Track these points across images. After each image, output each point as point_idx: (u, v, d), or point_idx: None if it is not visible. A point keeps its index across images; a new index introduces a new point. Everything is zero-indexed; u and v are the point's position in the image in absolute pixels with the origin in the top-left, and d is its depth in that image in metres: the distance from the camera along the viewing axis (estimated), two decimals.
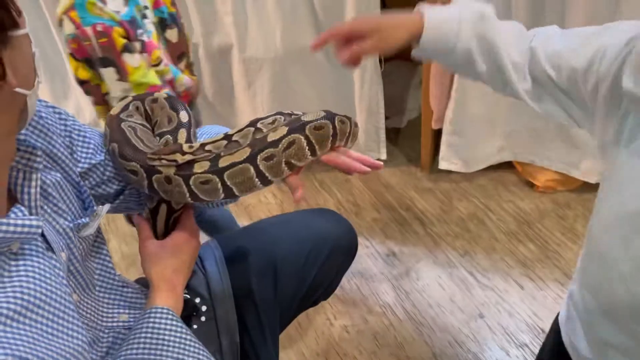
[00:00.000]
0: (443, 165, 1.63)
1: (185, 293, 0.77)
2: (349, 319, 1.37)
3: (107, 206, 0.67)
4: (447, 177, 1.72)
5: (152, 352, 0.62)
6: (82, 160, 0.68)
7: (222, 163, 0.62)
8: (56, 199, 0.61)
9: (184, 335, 0.65)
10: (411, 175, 1.77)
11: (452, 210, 1.62)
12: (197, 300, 0.84)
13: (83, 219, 0.63)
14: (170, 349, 0.63)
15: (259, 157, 0.62)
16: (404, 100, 2.00)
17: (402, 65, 2.06)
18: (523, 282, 1.39)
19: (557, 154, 1.53)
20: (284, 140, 0.62)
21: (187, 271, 0.74)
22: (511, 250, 1.48)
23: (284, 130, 0.62)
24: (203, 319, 0.79)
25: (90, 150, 0.69)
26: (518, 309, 1.33)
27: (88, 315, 0.65)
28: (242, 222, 1.68)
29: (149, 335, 0.63)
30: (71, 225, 0.62)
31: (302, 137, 0.62)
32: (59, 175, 0.63)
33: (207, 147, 0.68)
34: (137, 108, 0.75)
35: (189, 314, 0.78)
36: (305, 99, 1.63)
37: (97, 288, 0.69)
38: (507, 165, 1.69)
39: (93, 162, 0.69)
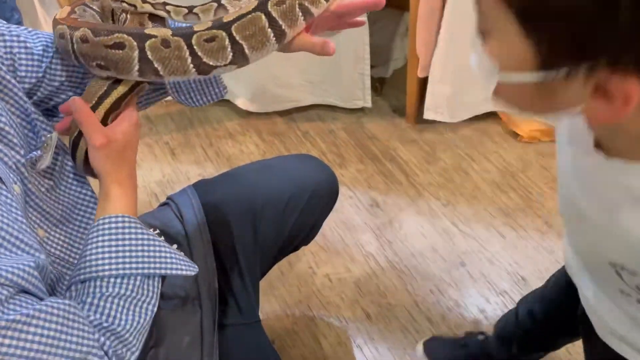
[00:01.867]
0: (428, 115, 1.61)
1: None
2: (332, 267, 1.37)
3: (55, 134, 0.64)
4: (432, 128, 1.70)
5: (118, 258, 0.58)
6: (28, 76, 0.64)
7: (226, 19, 0.56)
8: (5, 132, 0.58)
9: (151, 240, 0.61)
10: (395, 126, 1.74)
11: (436, 160, 1.61)
12: (175, 246, 0.82)
13: (34, 152, 0.60)
14: (140, 254, 0.59)
15: (269, 2, 0.56)
16: (390, 49, 1.95)
17: (388, 12, 1.99)
18: (505, 231, 1.40)
19: None
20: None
21: (135, 169, 0.69)
22: (494, 200, 1.48)
23: None
24: None
25: (35, 62, 0.65)
26: (499, 257, 1.34)
27: (57, 252, 0.63)
28: (224, 171, 1.65)
29: (107, 242, 0.59)
30: (23, 160, 0.59)
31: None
32: (7, 105, 0.60)
33: (168, 8, 0.63)
34: (84, 10, 0.69)
35: None
36: None
37: (78, 223, 0.67)
38: (492, 116, 1.68)
39: (40, 74, 0.65)
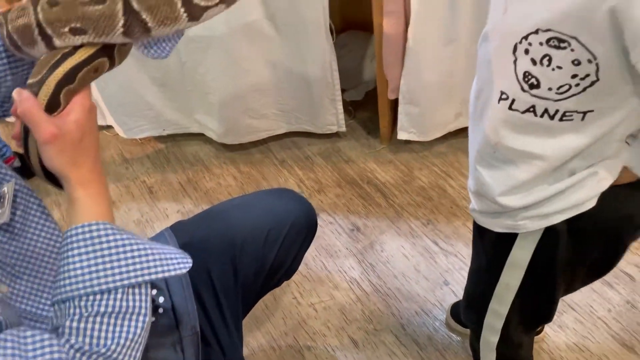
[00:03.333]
0: (402, 135, 1.62)
1: None
2: (316, 296, 1.36)
3: (12, 182, 0.59)
4: (407, 147, 1.71)
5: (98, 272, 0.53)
6: None
7: None
8: None
9: (128, 245, 0.55)
10: (371, 147, 1.75)
11: (413, 180, 1.62)
12: (154, 292, 0.81)
13: None
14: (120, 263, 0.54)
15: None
16: (361, 72, 1.97)
17: (356, 35, 2.02)
18: None
19: None
20: None
21: (98, 145, 0.60)
22: None
23: None
24: (161, 310, 0.76)
25: None
26: None
27: (26, 307, 0.60)
28: (202, 205, 1.65)
29: (80, 255, 0.53)
30: None
31: None
32: None
33: None
34: None
35: None
36: (257, 76, 1.58)
37: (48, 271, 0.63)
38: (464, 132, 1.69)
39: None
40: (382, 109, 1.63)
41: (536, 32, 0.56)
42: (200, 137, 1.85)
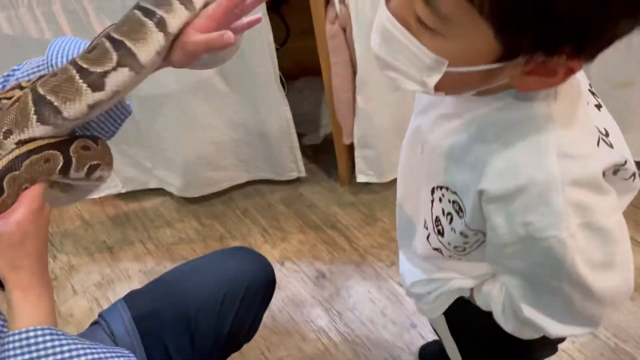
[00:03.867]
0: (360, 178, 1.63)
1: None
2: (284, 349, 1.34)
3: None
4: (368, 189, 1.72)
5: None
6: None
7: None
8: None
9: (67, 351, 0.54)
10: (333, 191, 1.76)
11: (375, 221, 1.63)
12: None
13: None
14: None
15: None
16: (319, 116, 1.99)
17: (312, 80, 2.05)
18: None
19: None
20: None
21: (45, 247, 0.58)
22: None
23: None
24: None
25: None
26: None
27: None
28: (164, 263, 1.62)
29: None
30: None
31: None
32: None
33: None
34: None
35: None
36: (214, 130, 1.59)
37: None
38: None
39: None
40: (339, 154, 1.65)
41: (447, 189, 0.57)
42: (160, 191, 1.83)
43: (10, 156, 0.57)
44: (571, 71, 0.44)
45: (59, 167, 0.60)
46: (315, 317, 1.40)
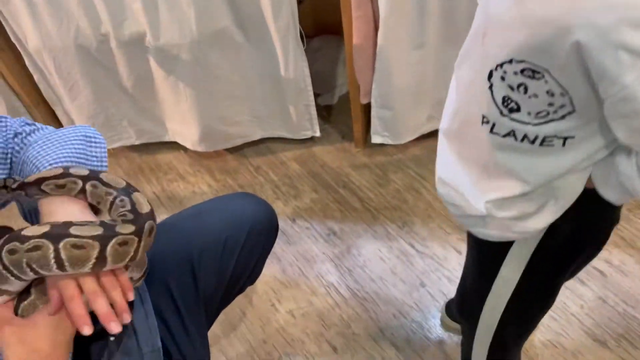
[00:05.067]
0: (375, 139, 1.63)
1: None
2: (294, 302, 1.36)
3: None
4: (382, 151, 1.72)
5: None
6: None
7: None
8: None
9: None
10: (346, 151, 1.76)
11: (388, 183, 1.63)
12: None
13: None
14: None
15: (4, 249, 0.55)
16: (334, 76, 1.97)
17: (330, 39, 2.03)
18: (461, 247, 1.42)
19: None
20: (32, 241, 0.55)
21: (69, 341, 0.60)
22: (447, 216, 1.50)
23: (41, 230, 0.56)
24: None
25: None
26: (457, 273, 1.36)
27: None
28: None
29: None
30: None
31: (52, 247, 0.55)
32: None
33: None
34: None
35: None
36: (228, 84, 1.58)
37: None
38: (437, 133, 1.71)
39: None
40: (355, 114, 1.64)
41: (510, 61, 0.56)
42: (173, 145, 1.83)
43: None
44: None
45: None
46: (325, 272, 1.42)
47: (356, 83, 1.53)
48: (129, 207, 0.65)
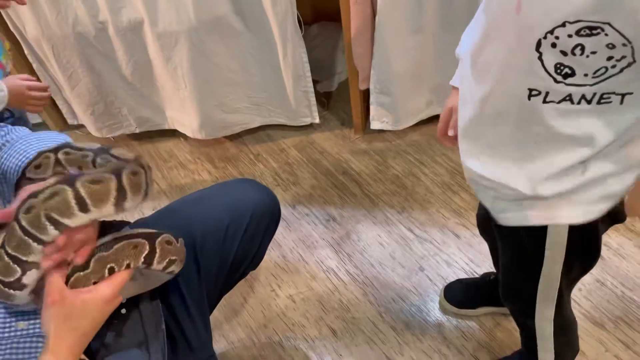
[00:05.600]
0: (374, 125, 1.63)
1: None
2: (294, 287, 1.37)
3: None
4: (381, 137, 1.72)
5: None
6: None
7: None
8: None
9: None
10: (345, 138, 1.76)
11: (387, 169, 1.63)
12: None
13: None
14: None
15: (20, 211, 0.56)
16: (333, 63, 1.97)
17: (328, 26, 2.02)
18: (459, 231, 1.43)
19: None
20: (48, 190, 0.55)
21: (94, 333, 0.64)
22: (446, 201, 1.51)
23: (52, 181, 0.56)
24: (123, 311, 0.76)
25: None
26: (456, 257, 1.37)
27: None
28: None
29: None
30: None
31: (69, 189, 0.55)
32: None
33: None
34: None
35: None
36: (227, 71, 1.58)
37: None
38: (436, 119, 1.69)
39: None
40: (354, 100, 1.64)
41: (563, 25, 0.54)
42: (173, 133, 1.83)
43: (105, 239, 0.62)
44: None
45: (144, 254, 0.66)
46: (325, 257, 1.43)
47: (355, 69, 1.53)
48: (114, 160, 0.66)
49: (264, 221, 0.93)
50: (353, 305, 1.31)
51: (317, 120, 1.74)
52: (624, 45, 0.53)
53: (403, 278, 1.35)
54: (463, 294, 1.25)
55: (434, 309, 1.28)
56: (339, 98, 1.90)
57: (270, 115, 1.75)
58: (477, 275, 1.31)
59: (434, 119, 1.70)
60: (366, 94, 1.64)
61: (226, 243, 0.87)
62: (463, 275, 1.32)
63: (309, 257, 1.44)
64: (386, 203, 1.54)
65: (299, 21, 1.48)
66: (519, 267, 0.85)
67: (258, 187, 0.97)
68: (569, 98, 0.60)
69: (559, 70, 0.58)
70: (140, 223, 0.92)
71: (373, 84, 1.53)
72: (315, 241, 1.47)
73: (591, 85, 0.58)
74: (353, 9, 1.37)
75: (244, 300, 1.36)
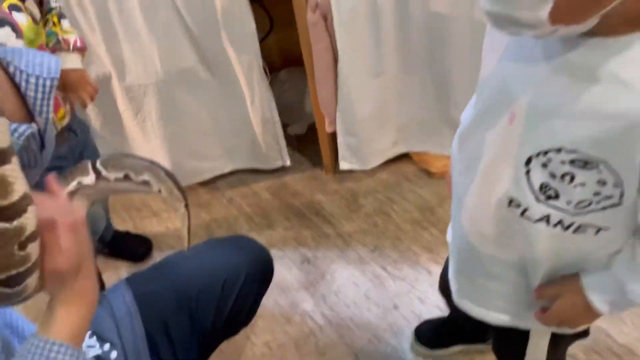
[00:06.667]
0: (343, 165, 1.66)
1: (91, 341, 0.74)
2: (270, 333, 1.37)
3: None
4: (351, 177, 1.75)
5: None
6: None
7: None
8: None
9: None
10: (317, 179, 1.79)
11: (358, 208, 1.66)
12: (107, 346, 0.80)
13: None
14: None
15: None
16: (302, 106, 2.02)
17: (296, 71, 2.07)
18: (430, 267, 1.44)
19: (447, 140, 1.60)
20: None
21: (90, 287, 0.57)
22: (416, 238, 1.53)
23: None
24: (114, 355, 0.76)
25: None
26: (429, 294, 1.38)
27: None
28: (153, 254, 1.63)
29: None
30: None
31: None
32: None
33: None
34: None
35: None
36: (196, 119, 1.61)
37: None
38: (404, 158, 1.75)
39: None
40: (323, 142, 1.67)
41: (559, 150, 0.53)
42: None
43: None
44: None
45: None
46: (300, 301, 1.43)
47: (321, 113, 1.57)
48: None
49: (257, 280, 0.95)
50: (329, 348, 1.31)
51: (288, 163, 1.77)
52: (615, 185, 0.53)
53: (378, 318, 1.35)
54: (434, 334, 1.25)
55: (409, 349, 1.28)
56: (310, 140, 1.93)
57: (242, 160, 1.77)
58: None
59: (401, 157, 1.75)
60: (335, 136, 1.67)
61: (222, 301, 0.88)
62: (437, 312, 1.33)
63: (284, 301, 1.44)
64: (359, 242, 1.56)
65: (265, 69, 1.52)
66: (505, 340, 0.86)
67: (253, 246, 0.99)
68: (546, 219, 0.59)
69: (543, 190, 0.57)
70: (137, 276, 0.93)
71: (339, 126, 1.57)
72: (290, 284, 1.48)
73: (571, 215, 0.57)
74: (316, 57, 1.42)
75: (220, 351, 1.33)
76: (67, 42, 1.13)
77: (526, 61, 0.56)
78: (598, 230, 0.58)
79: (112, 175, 0.71)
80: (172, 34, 1.41)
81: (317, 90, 1.50)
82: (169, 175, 0.75)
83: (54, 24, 1.13)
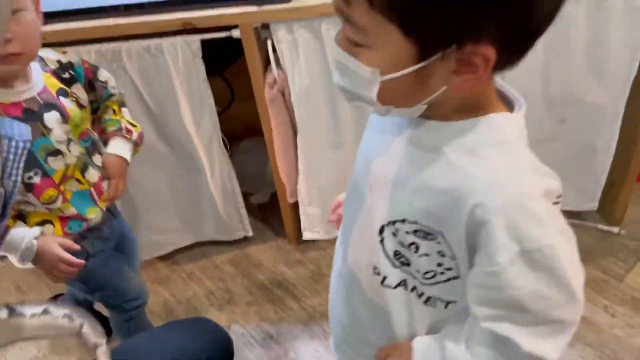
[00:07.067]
0: (306, 235, 1.65)
1: None
2: None
3: None
4: (315, 246, 1.73)
5: None
6: None
7: None
8: None
9: None
10: (280, 249, 1.76)
11: (322, 278, 1.63)
12: None
13: None
14: None
15: None
16: (265, 175, 2.01)
17: (257, 140, 2.08)
18: None
19: None
20: None
21: None
22: None
23: None
24: None
25: None
26: None
27: None
28: None
29: None
30: None
31: None
32: None
33: None
34: None
35: None
36: (156, 193, 1.58)
37: None
38: None
39: None
40: (285, 212, 1.66)
41: (403, 221, 0.56)
42: None
43: None
44: (487, 60, 0.47)
45: None
46: None
47: (283, 184, 1.57)
48: None
49: None
50: None
51: (250, 234, 1.74)
52: (451, 258, 0.56)
53: None
54: None
55: None
56: (273, 209, 1.92)
57: (203, 232, 1.74)
58: None
59: None
60: (297, 205, 1.67)
61: None
62: None
63: None
64: (323, 315, 1.52)
65: (224, 141, 1.53)
66: None
67: (213, 328, 0.98)
68: (403, 283, 0.62)
69: (397, 256, 0.60)
70: None
71: (301, 197, 1.57)
72: None
73: (421, 284, 0.60)
74: (275, 131, 1.44)
75: None
76: (130, 132, 1.11)
77: (384, 134, 0.61)
78: (447, 304, 0.61)
79: (28, 310, 0.66)
80: (130, 110, 1.41)
81: (277, 162, 1.51)
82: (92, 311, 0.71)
83: (114, 112, 1.12)
